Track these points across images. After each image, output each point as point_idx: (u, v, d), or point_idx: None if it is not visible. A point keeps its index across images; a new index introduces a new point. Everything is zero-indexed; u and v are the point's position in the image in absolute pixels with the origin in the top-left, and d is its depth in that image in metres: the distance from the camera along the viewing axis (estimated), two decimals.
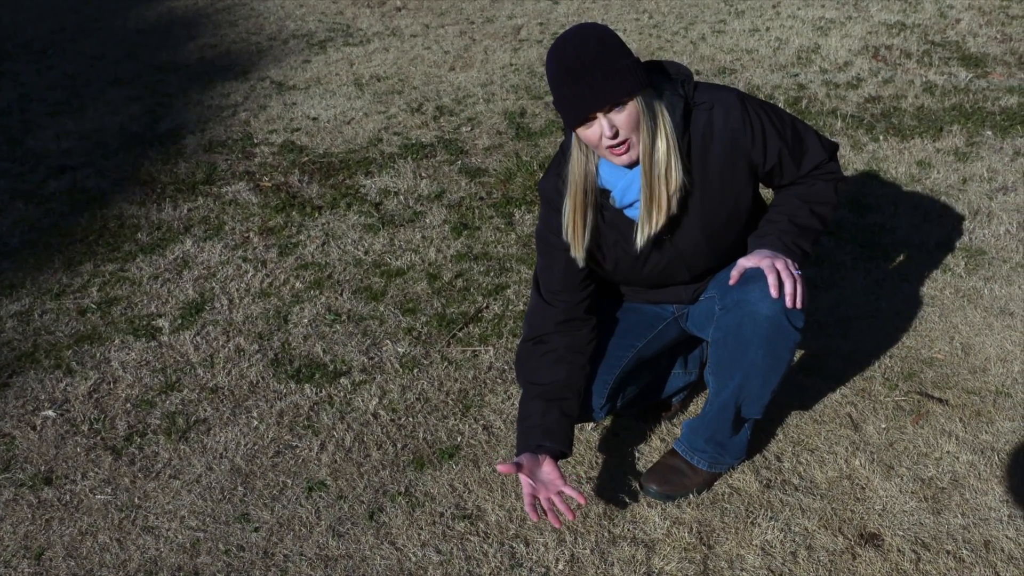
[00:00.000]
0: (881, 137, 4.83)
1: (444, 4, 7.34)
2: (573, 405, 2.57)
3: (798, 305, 2.39)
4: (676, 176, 2.36)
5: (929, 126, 4.94)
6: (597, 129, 2.29)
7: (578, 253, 2.47)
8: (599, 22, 2.38)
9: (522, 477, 2.44)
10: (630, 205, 2.44)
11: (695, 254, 2.54)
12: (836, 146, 2.60)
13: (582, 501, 2.43)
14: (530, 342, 2.62)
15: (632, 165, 2.37)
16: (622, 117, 2.27)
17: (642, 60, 2.40)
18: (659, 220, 2.41)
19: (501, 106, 5.42)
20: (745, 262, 2.45)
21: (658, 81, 2.36)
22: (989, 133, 4.84)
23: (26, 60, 6.60)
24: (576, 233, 2.45)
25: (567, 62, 2.25)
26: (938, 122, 4.98)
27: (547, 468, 2.48)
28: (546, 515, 2.45)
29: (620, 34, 6.43)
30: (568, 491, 2.43)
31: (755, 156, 2.43)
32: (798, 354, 3.28)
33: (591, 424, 3.00)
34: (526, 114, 5.30)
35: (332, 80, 5.95)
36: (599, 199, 2.46)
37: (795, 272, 2.40)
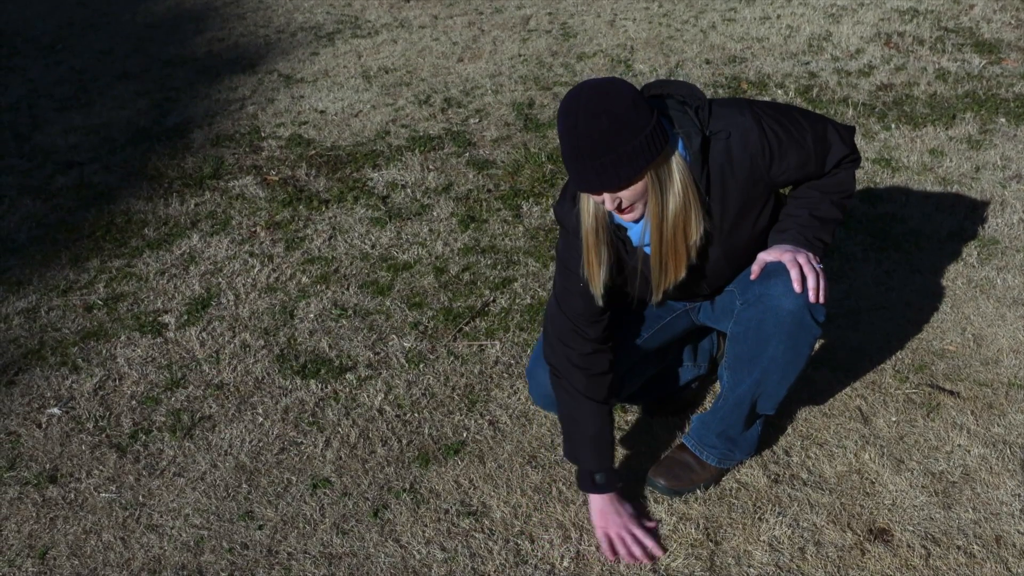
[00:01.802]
0: (893, 125, 4.78)
1: None
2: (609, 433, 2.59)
3: (821, 300, 2.37)
4: (696, 229, 2.32)
5: (942, 114, 4.88)
6: (601, 198, 2.27)
7: (596, 291, 2.42)
8: (615, 76, 2.26)
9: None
10: (646, 245, 2.40)
11: (716, 275, 2.52)
12: (853, 130, 2.54)
13: (658, 554, 2.53)
14: (556, 377, 2.57)
15: (639, 220, 2.34)
16: (627, 192, 2.23)
17: (650, 90, 2.35)
18: (678, 274, 2.38)
19: (509, 97, 5.39)
20: (766, 256, 2.43)
21: (669, 116, 2.30)
22: (1003, 120, 4.78)
23: (35, 55, 6.60)
24: (592, 271, 2.40)
25: (574, 137, 2.18)
26: (951, 110, 4.93)
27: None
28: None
29: (631, 24, 6.37)
30: (648, 543, 2.53)
31: (775, 175, 2.39)
32: None
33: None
34: (534, 105, 5.27)
35: (340, 72, 5.92)
36: (615, 235, 2.40)
37: (817, 266, 2.38)
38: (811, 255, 2.40)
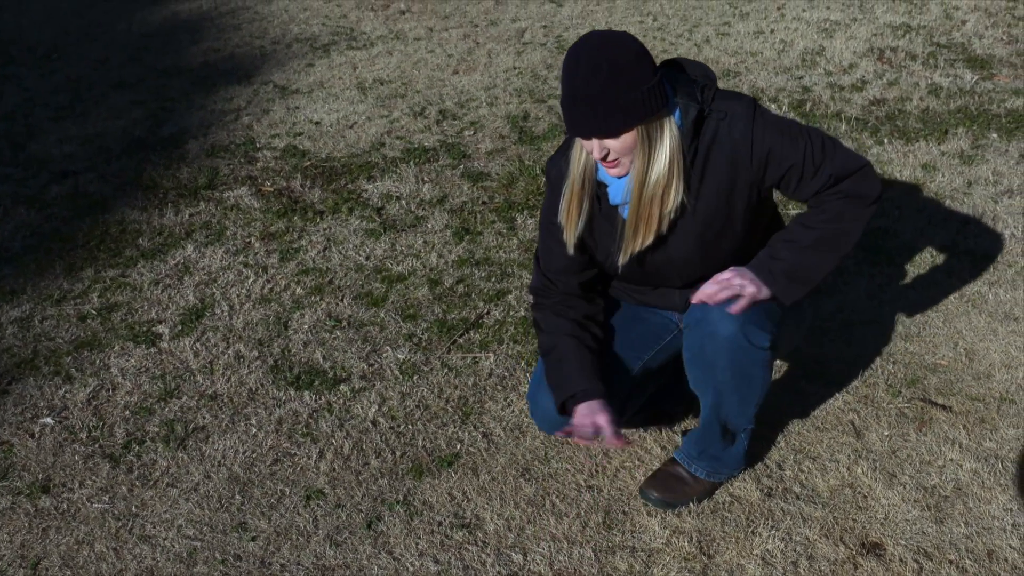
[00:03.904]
0: (886, 140, 4.80)
1: (448, 7, 7.32)
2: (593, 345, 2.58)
3: (732, 310, 2.37)
4: (673, 198, 2.35)
5: (934, 129, 4.91)
6: (590, 145, 2.31)
7: (569, 238, 2.47)
8: (625, 31, 2.30)
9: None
10: (623, 204, 2.42)
11: (687, 263, 2.51)
12: (868, 164, 2.43)
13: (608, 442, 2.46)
14: (539, 310, 2.63)
15: (623, 176, 2.37)
16: (615, 143, 2.28)
17: (666, 59, 2.39)
18: (645, 239, 2.40)
19: (504, 110, 5.41)
20: (713, 279, 2.43)
21: (675, 85, 2.33)
22: (995, 136, 4.81)
23: (30, 64, 6.60)
24: (570, 219, 2.46)
25: (574, 84, 2.24)
26: (943, 125, 4.95)
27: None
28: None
29: None
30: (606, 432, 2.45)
31: (756, 170, 2.38)
32: (800, 359, 3.26)
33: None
34: (529, 118, 5.29)
35: (335, 84, 5.94)
36: (596, 190, 2.45)
37: (750, 288, 2.36)
38: (753, 278, 2.37)
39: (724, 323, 2.39)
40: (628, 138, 2.26)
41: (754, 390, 2.54)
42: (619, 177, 2.37)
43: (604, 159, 2.31)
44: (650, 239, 2.40)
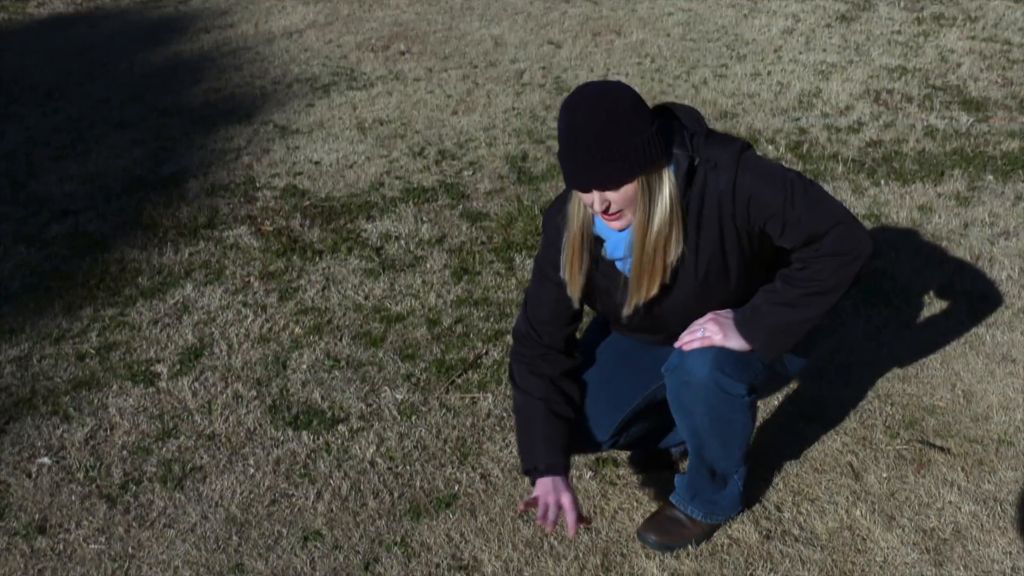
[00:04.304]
0: (882, 181, 4.83)
1: (447, 48, 7.38)
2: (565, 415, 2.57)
3: (693, 345, 2.41)
4: (675, 249, 2.33)
5: (930, 170, 4.94)
6: (589, 198, 2.29)
7: (574, 294, 2.46)
8: (622, 81, 2.30)
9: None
10: (621, 259, 2.42)
11: (684, 313, 2.49)
12: (842, 219, 2.33)
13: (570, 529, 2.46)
14: (516, 362, 2.62)
15: (624, 229, 2.35)
16: (616, 195, 2.25)
17: (657, 104, 2.37)
18: (650, 290, 2.39)
19: (503, 150, 5.44)
20: (691, 325, 2.46)
21: (670, 137, 2.30)
22: (991, 178, 4.84)
23: (32, 103, 6.64)
24: (572, 276, 2.44)
25: (572, 131, 2.22)
26: (939, 166, 4.98)
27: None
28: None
29: (623, 78, 6.45)
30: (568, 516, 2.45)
31: (741, 216, 2.33)
32: (798, 400, 3.26)
33: (589, 473, 2.97)
34: (528, 158, 5.32)
35: (335, 124, 5.97)
36: (593, 245, 2.44)
37: (717, 337, 2.39)
38: (731, 330, 2.40)
39: (698, 370, 2.41)
40: (629, 189, 2.24)
41: (735, 435, 2.54)
42: (620, 230, 2.35)
43: (605, 212, 2.29)
44: (654, 290, 2.39)
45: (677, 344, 2.46)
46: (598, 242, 2.43)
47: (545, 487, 2.47)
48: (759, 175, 2.31)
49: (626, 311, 2.45)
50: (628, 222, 2.32)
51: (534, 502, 2.46)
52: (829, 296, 2.36)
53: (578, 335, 2.65)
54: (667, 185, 2.27)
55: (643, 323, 2.53)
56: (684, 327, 2.54)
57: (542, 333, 2.56)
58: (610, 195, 2.25)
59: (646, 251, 2.32)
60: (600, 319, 2.78)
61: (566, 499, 2.45)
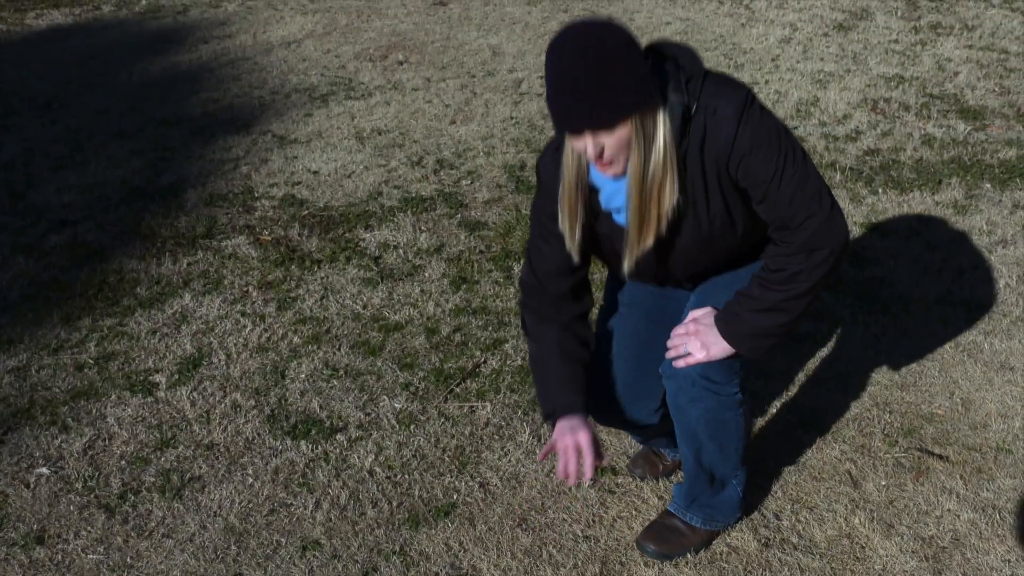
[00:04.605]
0: (880, 190, 4.84)
1: (445, 58, 7.40)
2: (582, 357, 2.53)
3: (679, 364, 2.40)
4: (669, 197, 2.21)
5: (928, 179, 4.95)
6: (582, 144, 2.16)
7: (573, 248, 2.37)
8: (611, 19, 2.15)
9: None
10: (617, 210, 2.33)
11: (688, 260, 2.41)
12: (825, 211, 2.27)
13: (587, 475, 2.41)
14: (526, 311, 2.57)
15: (620, 177, 2.24)
16: (610, 139, 2.12)
17: (650, 43, 2.24)
18: (649, 240, 2.28)
19: (501, 159, 5.45)
20: (675, 331, 2.45)
21: (663, 80, 2.17)
22: (988, 186, 4.85)
23: (31, 114, 6.65)
24: (570, 228, 2.34)
25: (560, 70, 2.08)
26: (937, 175, 4.99)
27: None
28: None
29: None
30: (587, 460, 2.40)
31: (733, 173, 2.25)
32: (796, 408, 3.26)
33: (588, 482, 2.97)
34: (526, 167, 5.32)
35: (333, 134, 5.98)
36: (589, 195, 2.33)
37: (700, 354, 2.39)
38: (715, 337, 2.38)
39: (690, 370, 2.41)
40: (623, 132, 2.11)
41: (731, 436, 2.54)
42: (615, 176, 2.23)
43: (599, 157, 2.16)
44: (650, 241, 2.28)
45: (669, 355, 2.45)
46: (593, 192, 2.33)
47: (562, 429, 2.41)
48: (757, 138, 2.20)
49: (627, 263, 2.35)
50: (623, 168, 2.19)
51: (552, 448, 2.41)
52: (807, 295, 2.31)
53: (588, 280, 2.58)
54: (662, 128, 2.15)
55: (647, 272, 2.45)
56: (690, 276, 2.49)
57: (548, 284, 2.47)
58: (603, 138, 2.12)
59: (644, 198, 2.21)
60: (611, 282, 2.70)
61: (583, 438, 2.38)
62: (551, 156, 2.36)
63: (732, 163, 2.22)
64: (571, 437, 2.40)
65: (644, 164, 2.16)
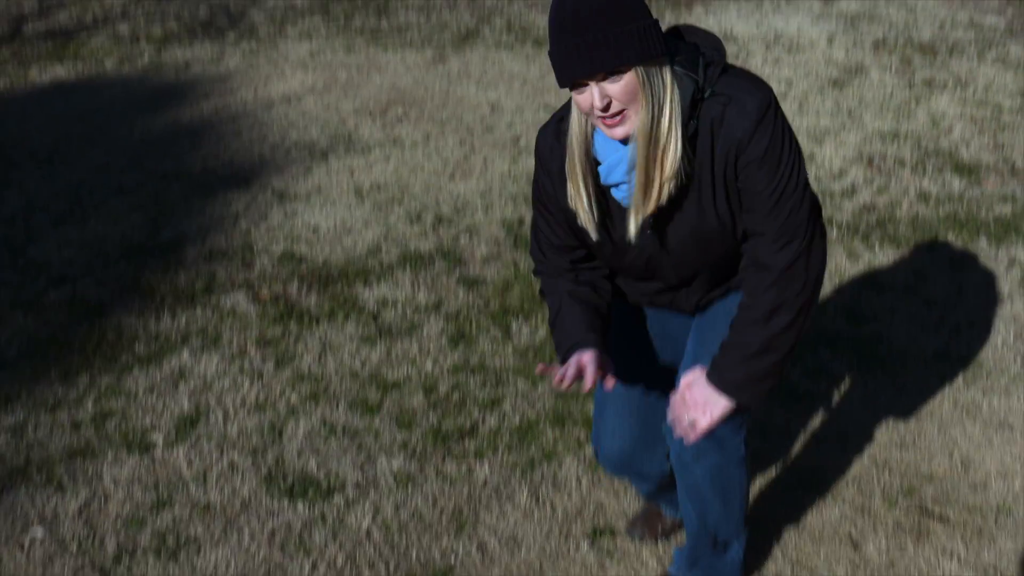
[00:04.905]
0: (877, 246, 4.86)
1: (444, 113, 7.45)
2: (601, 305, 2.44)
3: (689, 441, 2.32)
4: (673, 158, 2.12)
5: (924, 235, 4.97)
6: (588, 97, 2.08)
7: (588, 223, 2.26)
8: None
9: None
10: (615, 186, 2.24)
11: (682, 253, 2.33)
12: (810, 237, 2.24)
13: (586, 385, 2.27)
14: (539, 275, 2.51)
15: (627, 140, 2.14)
16: (616, 88, 2.05)
17: (675, 25, 2.22)
18: (651, 205, 2.19)
19: (499, 215, 5.47)
20: (673, 403, 2.37)
21: (679, 52, 2.13)
22: (984, 242, 4.87)
23: (31, 169, 6.68)
24: (580, 202, 2.25)
25: (564, 13, 2.04)
26: (933, 231, 5.02)
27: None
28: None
29: None
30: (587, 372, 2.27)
31: (738, 169, 2.18)
32: (796, 469, 3.25)
33: (586, 544, 2.96)
34: (524, 224, 5.35)
35: (333, 189, 6.01)
36: (590, 167, 2.24)
37: (703, 423, 2.30)
38: (707, 397, 2.30)
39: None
40: (630, 81, 2.04)
41: (735, 493, 2.53)
42: (623, 137, 2.13)
43: (605, 110, 2.08)
44: (652, 206, 2.18)
45: (670, 422, 2.39)
46: (595, 163, 2.24)
47: (571, 361, 2.28)
48: (772, 148, 2.16)
49: (633, 226, 2.22)
50: (632, 125, 2.11)
51: (552, 368, 2.28)
52: (792, 328, 2.25)
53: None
54: (670, 92, 2.08)
55: (636, 263, 2.37)
56: (679, 277, 2.41)
57: (554, 257, 2.42)
58: (610, 88, 2.05)
59: (649, 158, 2.12)
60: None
61: (588, 356, 2.27)
62: (552, 127, 2.31)
63: (741, 162, 2.17)
64: (575, 358, 2.28)
65: (652, 122, 2.09)
